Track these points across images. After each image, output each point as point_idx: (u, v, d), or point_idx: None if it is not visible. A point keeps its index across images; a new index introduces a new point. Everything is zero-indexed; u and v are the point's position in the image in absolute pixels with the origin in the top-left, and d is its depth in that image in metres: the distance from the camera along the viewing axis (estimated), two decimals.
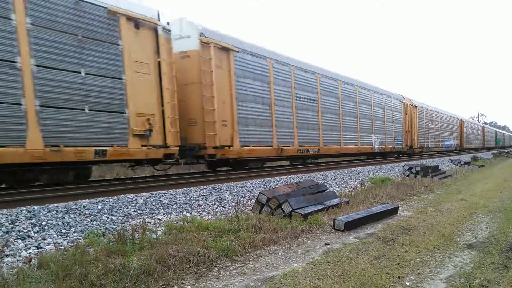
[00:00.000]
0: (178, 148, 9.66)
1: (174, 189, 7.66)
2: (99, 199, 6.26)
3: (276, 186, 8.47)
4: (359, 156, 21.54)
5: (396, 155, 24.66)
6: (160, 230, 5.26)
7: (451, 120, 36.05)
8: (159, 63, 9.20)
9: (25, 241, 4.39)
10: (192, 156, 10.90)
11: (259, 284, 3.68)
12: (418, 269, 4.10)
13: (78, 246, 4.27)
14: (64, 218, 5.17)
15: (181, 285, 3.61)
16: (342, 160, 20.60)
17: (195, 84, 10.64)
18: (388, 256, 4.50)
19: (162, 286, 3.56)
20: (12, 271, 3.61)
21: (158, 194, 6.98)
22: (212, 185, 8.35)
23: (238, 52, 11.71)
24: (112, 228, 5.17)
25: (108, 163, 9.81)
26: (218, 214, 6.53)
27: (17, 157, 6.78)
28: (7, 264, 3.80)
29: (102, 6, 8.10)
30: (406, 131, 24.82)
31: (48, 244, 4.41)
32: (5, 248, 4.07)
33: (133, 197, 6.58)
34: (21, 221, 4.83)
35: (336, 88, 17.21)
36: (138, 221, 5.58)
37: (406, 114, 24.82)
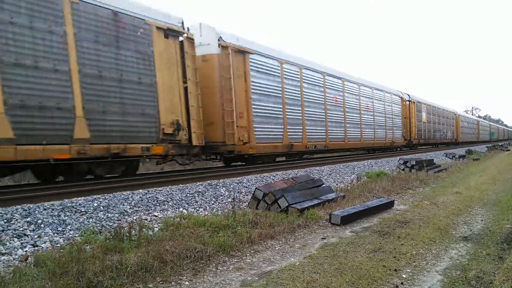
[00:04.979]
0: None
1: (170, 186, 7.66)
2: (94, 196, 6.25)
3: (272, 182, 8.47)
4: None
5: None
6: (156, 227, 5.25)
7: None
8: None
9: (21, 240, 4.37)
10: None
11: (256, 278, 3.69)
12: (414, 261, 4.13)
13: (75, 243, 4.25)
14: (60, 216, 5.15)
15: (179, 281, 3.61)
16: (337, 155, 20.65)
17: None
18: (385, 249, 4.52)
19: (160, 282, 3.55)
20: (9, 270, 3.59)
21: (154, 191, 6.97)
22: (208, 181, 8.35)
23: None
24: (109, 225, 5.16)
25: None
26: (214, 210, 6.53)
27: None
28: (3, 263, 3.78)
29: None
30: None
31: (44, 242, 4.39)
32: (1, 246, 4.06)
33: (129, 194, 6.57)
34: (17, 220, 4.80)
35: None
36: (134, 218, 5.57)
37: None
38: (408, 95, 26.93)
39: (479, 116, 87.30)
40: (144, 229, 4.85)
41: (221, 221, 5.29)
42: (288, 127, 13.86)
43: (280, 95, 13.63)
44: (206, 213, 6.31)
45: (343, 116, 17.87)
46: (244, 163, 13.30)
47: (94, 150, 8.05)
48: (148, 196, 6.58)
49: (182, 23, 10.18)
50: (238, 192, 7.84)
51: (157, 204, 6.37)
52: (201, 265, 4.01)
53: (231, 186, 8.21)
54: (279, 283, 3.51)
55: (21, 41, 7.00)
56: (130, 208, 5.96)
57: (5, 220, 4.72)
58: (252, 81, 12.29)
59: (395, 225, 5.75)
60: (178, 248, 4.10)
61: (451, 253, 4.43)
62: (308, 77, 15.39)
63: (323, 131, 16.18)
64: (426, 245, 4.73)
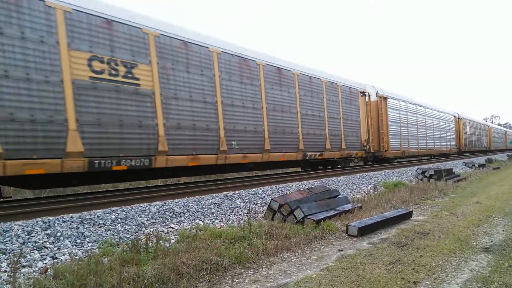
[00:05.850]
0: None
1: (186, 198, 7.70)
2: (112, 208, 6.33)
3: (288, 193, 8.45)
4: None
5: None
6: (173, 239, 5.28)
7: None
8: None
9: (41, 252, 4.45)
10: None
11: None
12: (433, 273, 4.05)
13: (93, 256, 4.31)
14: (78, 228, 5.23)
15: None
16: (354, 166, 20.64)
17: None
18: (403, 261, 4.45)
19: None
20: (29, 282, 3.65)
21: (171, 203, 7.02)
22: (224, 193, 8.37)
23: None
24: (126, 237, 5.21)
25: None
26: (230, 222, 6.53)
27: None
28: (24, 275, 3.86)
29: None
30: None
31: (63, 255, 4.46)
32: (21, 259, 4.13)
33: (146, 206, 6.63)
34: (37, 232, 4.90)
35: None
36: (151, 230, 5.62)
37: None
38: (458, 113, 35.07)
39: (499, 124, 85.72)
40: (161, 241, 4.88)
41: (237, 233, 5.30)
42: (402, 140, 22.27)
43: (398, 121, 21.84)
44: (222, 224, 6.32)
45: (425, 132, 26.13)
46: (371, 163, 20.80)
47: (345, 154, 16.25)
48: (164, 208, 6.63)
49: (365, 86, 18.63)
50: (253, 203, 7.83)
51: (174, 215, 6.41)
52: (217, 277, 4.01)
53: (247, 197, 8.21)
54: None
55: (309, 104, 14.25)
56: (147, 220, 6.01)
57: (26, 233, 4.82)
58: (389, 114, 20.51)
59: (413, 236, 5.66)
60: (194, 260, 4.12)
61: (472, 265, 4.34)
62: (410, 108, 23.93)
63: (416, 142, 24.48)
64: (445, 256, 4.64)
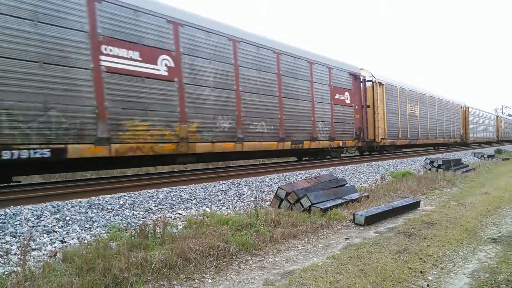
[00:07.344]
0: None
1: (193, 184, 7.74)
2: (120, 194, 6.38)
3: (295, 181, 8.45)
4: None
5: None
6: (180, 225, 5.32)
7: (509, 121, 57.73)
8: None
9: (50, 236, 4.50)
10: None
11: (279, 278, 3.69)
12: (441, 263, 4.04)
13: (101, 240, 4.35)
14: (87, 213, 5.29)
15: (202, 279, 3.65)
16: (363, 155, 20.57)
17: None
18: (410, 251, 4.44)
19: (183, 280, 3.60)
20: (39, 265, 3.71)
21: (178, 189, 7.05)
22: (231, 180, 8.39)
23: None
24: (134, 222, 5.26)
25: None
26: (237, 209, 6.56)
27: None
28: (33, 258, 3.91)
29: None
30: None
31: (72, 239, 4.52)
32: (31, 242, 4.19)
33: (154, 192, 6.68)
34: (46, 216, 4.95)
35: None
36: (159, 215, 5.66)
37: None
38: (496, 111, 51.28)
39: (509, 115, 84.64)
40: (168, 227, 4.92)
41: (243, 220, 5.31)
42: (474, 132, 34.96)
43: (473, 122, 34.62)
44: (229, 211, 6.35)
45: (482, 127, 38.51)
46: (460, 146, 31.83)
47: (453, 140, 30.08)
48: (172, 194, 6.67)
49: (459, 101, 32.33)
50: (260, 191, 7.85)
51: (181, 202, 6.45)
52: (224, 263, 4.04)
53: (254, 185, 8.23)
54: (302, 283, 3.50)
55: (445, 116, 29.22)
56: (155, 205, 6.05)
57: (35, 217, 4.88)
58: (470, 118, 33.25)
59: (421, 226, 5.64)
60: (201, 246, 4.15)
61: (479, 255, 4.31)
62: (476, 113, 36.40)
63: (478, 134, 36.77)
64: (453, 246, 4.62)
